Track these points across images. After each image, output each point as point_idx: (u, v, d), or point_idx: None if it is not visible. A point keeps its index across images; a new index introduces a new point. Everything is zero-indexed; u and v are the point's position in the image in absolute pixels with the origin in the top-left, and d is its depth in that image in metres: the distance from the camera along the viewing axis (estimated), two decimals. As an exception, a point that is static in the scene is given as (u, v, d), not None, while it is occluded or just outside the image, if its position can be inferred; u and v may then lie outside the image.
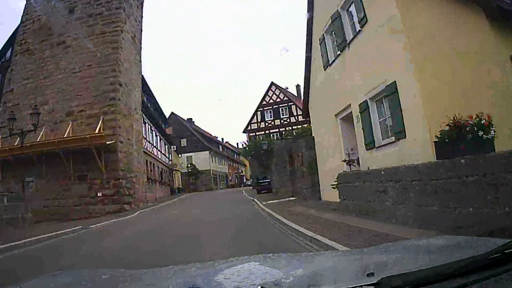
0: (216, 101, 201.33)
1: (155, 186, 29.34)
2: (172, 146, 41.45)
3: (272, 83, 42.49)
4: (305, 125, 33.39)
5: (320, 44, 13.73)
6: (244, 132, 41.91)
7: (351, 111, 11.24)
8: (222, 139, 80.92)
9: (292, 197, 17.41)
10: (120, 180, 18.79)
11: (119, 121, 19.92)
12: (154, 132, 31.53)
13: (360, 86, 10.55)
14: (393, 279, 1.02)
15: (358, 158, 10.84)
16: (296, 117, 39.86)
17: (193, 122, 69.69)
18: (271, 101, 41.76)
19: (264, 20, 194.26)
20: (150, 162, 28.44)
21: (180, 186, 51.42)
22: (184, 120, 64.93)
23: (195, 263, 1.89)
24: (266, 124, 41.00)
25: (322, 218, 8.38)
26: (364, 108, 10.30)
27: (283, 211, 11.48)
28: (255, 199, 19.81)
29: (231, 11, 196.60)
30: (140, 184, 21.84)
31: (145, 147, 26.89)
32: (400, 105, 8.84)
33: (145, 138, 27.35)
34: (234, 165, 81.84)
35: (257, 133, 40.32)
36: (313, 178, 14.38)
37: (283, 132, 40.21)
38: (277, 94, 41.84)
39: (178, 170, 44.87)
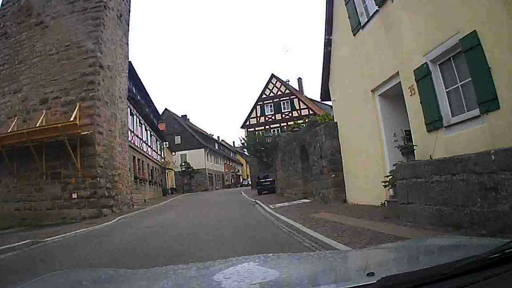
0: (211, 99, 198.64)
1: (144, 186, 26.29)
2: (164, 143, 38.31)
3: (272, 75, 39.50)
4: (307, 120, 30.65)
5: (346, 4, 10.81)
6: (242, 127, 38.84)
7: (399, 82, 8.34)
8: (218, 137, 77.88)
9: (305, 199, 14.46)
10: (98, 179, 15.71)
11: (98, 109, 16.85)
12: (143, 126, 28.45)
13: (415, 45, 7.66)
14: (393, 279, 1.01)
15: (410, 144, 7.94)
16: (298, 111, 36.95)
17: (188, 119, 66.70)
18: (271, 94, 38.75)
19: (264, 18, 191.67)
20: (139, 159, 25.39)
21: (174, 186, 48.38)
22: (179, 116, 61.90)
23: (195, 263, 1.85)
24: (266, 118, 37.96)
25: (386, 235, 5.38)
26: (422, 74, 7.40)
27: (306, 219, 8.53)
28: (258, 201, 16.87)
29: (230, 10, 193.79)
30: (125, 184, 18.79)
31: (132, 141, 23.82)
32: (486, 63, 5.98)
33: (133, 132, 24.29)
34: (231, 164, 78.85)
35: (256, 129, 37.27)
36: (336, 175, 11.45)
37: (285, 127, 37.22)
38: (278, 86, 38.86)
39: (171, 169, 41.77)
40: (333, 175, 11.52)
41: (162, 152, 38.14)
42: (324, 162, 11.91)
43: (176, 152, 52.22)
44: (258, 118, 38.29)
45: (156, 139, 34.82)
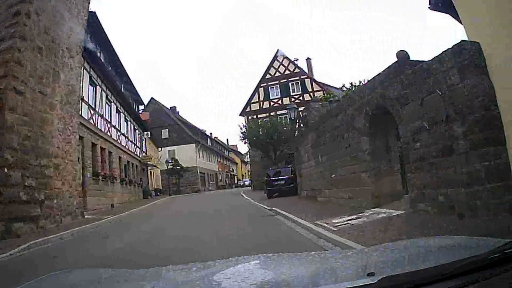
0: (202, 95, 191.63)
1: (113, 186, 19.56)
2: (146, 133, 31.49)
3: (278, 52, 33.02)
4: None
5: None
6: (241, 115, 32.09)
7: None
8: (211, 133, 71.11)
9: (378, 207, 8.03)
10: (6, 170, 9.07)
11: (21, 53, 10.24)
12: (114, 106, 21.66)
13: None
14: (393, 279, 1.03)
15: None
16: (311, 94, 30.49)
17: (178, 112, 59.87)
18: (277, 74, 32.15)
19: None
20: (103, 149, 18.66)
21: (160, 187, 41.72)
22: (167, 108, 55.17)
23: (195, 263, 1.84)
24: (271, 103, 31.36)
25: None
26: None
27: None
28: (278, 210, 10.59)
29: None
30: (68, 182, 12.09)
31: (92, 121, 17.00)
32: None
33: (93, 108, 17.47)
34: (225, 163, 72.28)
35: (259, 116, 30.69)
36: (494, 154, 5.09)
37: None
38: (285, 65, 32.31)
39: (155, 166, 34.94)
40: (484, 155, 5.13)
41: (143, 145, 31.41)
42: (459, 128, 5.47)
43: (163, 148, 45.50)
44: (262, 103, 31.65)
45: (134, 127, 28.10)
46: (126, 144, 24.33)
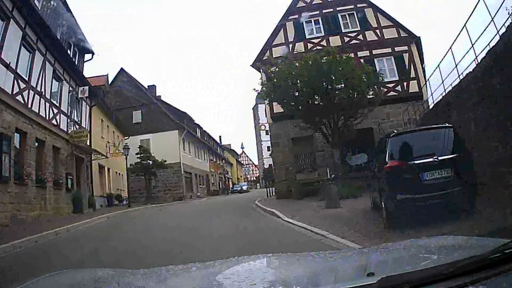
0: (190, 85, 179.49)
1: None
2: (82, 88, 18.30)
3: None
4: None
5: None
6: (254, 66, 19.62)
7: None
8: (202, 127, 57.79)
9: None
10: None
11: None
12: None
13: None
14: (393, 279, 1.04)
15: None
16: (378, 32, 18.29)
17: (159, 96, 46.85)
18: (316, 1, 20.01)
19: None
20: None
21: (124, 192, 28.99)
22: (143, 86, 42.57)
23: (195, 263, 1.86)
24: (308, 45, 19.02)
25: None
26: None
27: None
28: None
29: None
30: None
31: None
32: None
33: None
34: (219, 162, 59.47)
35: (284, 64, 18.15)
36: None
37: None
38: (331, -12, 20.21)
39: (102, 155, 21.81)
40: None
41: (82, 115, 18.62)
42: None
43: (133, 136, 32.68)
44: (291, 45, 19.25)
45: (57, 73, 15.41)
46: (20, 94, 11.70)
